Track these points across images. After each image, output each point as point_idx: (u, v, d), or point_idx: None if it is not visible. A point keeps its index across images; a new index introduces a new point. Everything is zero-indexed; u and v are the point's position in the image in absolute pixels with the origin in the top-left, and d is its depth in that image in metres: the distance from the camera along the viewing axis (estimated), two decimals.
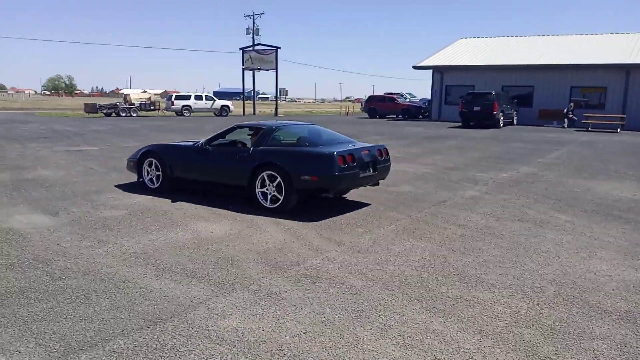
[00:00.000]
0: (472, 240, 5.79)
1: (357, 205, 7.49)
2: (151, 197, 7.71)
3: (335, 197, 7.93)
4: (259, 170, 6.98)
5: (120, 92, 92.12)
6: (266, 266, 4.77)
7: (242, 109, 46.03)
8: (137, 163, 8.49)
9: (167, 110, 39.84)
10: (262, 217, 6.61)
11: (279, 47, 43.82)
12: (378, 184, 7.92)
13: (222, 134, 7.97)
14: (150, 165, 8.29)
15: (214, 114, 40.38)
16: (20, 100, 65.23)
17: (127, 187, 8.42)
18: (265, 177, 6.94)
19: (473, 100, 27.20)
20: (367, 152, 7.19)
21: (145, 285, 4.22)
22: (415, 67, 36.07)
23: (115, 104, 37.93)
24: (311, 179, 6.63)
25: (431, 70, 35.53)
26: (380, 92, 65.34)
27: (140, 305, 3.80)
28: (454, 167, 11.75)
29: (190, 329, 3.45)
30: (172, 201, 7.43)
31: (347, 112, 51.75)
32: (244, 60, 45.31)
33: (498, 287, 4.33)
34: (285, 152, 7.10)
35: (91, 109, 37.10)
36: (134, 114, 36.77)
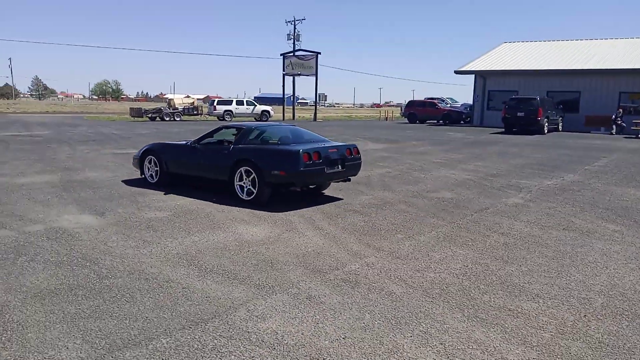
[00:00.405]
0: (515, 248, 5.65)
1: (397, 211, 7.43)
2: (193, 199, 7.87)
3: (315, 192, 8.65)
4: (237, 166, 7.72)
5: (164, 97, 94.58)
6: (305, 270, 4.78)
7: (281, 114, 46.45)
8: (139, 160, 9.33)
9: (209, 115, 40.60)
10: (302, 221, 6.64)
11: (319, 53, 44.05)
12: (349, 180, 8.50)
13: (210, 134, 8.77)
14: (149, 162, 9.14)
15: (255, 118, 40.87)
16: (70, 105, 67.80)
17: (172, 191, 8.60)
18: (243, 172, 7.68)
19: (516, 106, 26.60)
20: (335, 150, 7.77)
21: (187, 285, 4.30)
22: (457, 72, 35.59)
23: (160, 109, 38.91)
24: (280, 173, 7.31)
25: (473, 75, 34.98)
26: (420, 96, 64.71)
27: (183, 305, 3.88)
28: (496, 173, 11.51)
29: (231, 330, 3.49)
30: (214, 202, 7.55)
31: (387, 117, 51.48)
32: (285, 65, 45.74)
33: (543, 298, 4.21)
34: (258, 149, 7.78)
35: (136, 113, 38.18)
36: (177, 119, 37.63)
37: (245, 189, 7.68)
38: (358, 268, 4.87)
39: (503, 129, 27.85)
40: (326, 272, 4.74)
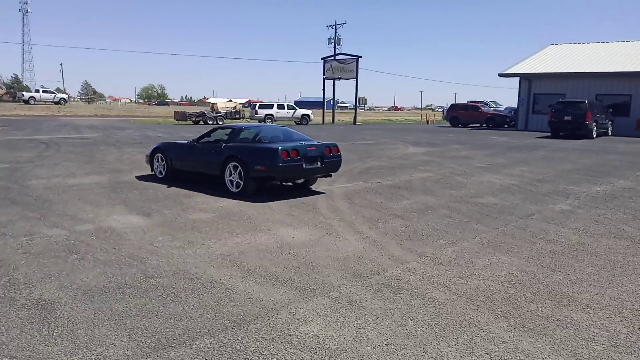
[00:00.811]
0: (563, 256, 5.46)
1: (439, 216, 7.31)
2: (237, 201, 7.97)
3: (299, 185, 9.48)
4: (227, 162, 8.58)
5: (207, 100, 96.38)
6: (346, 273, 4.77)
7: (321, 118, 46.58)
8: (150, 158, 10.37)
9: (250, 118, 41.15)
10: (342, 225, 6.63)
11: (360, 56, 43.94)
12: (330, 175, 9.32)
13: (208, 134, 9.64)
14: (158, 159, 10.17)
15: (295, 122, 41.17)
16: (117, 108, 69.97)
17: (214, 192, 8.75)
18: (231, 168, 8.53)
19: (563, 109, 25.82)
20: (314, 148, 8.51)
21: (230, 286, 4.36)
22: (501, 75, 34.88)
23: (203, 113, 39.72)
24: (261, 168, 8.13)
25: (518, 78, 34.19)
26: (462, 100, 63.65)
27: (226, 306, 3.93)
28: (542, 179, 11.18)
29: (273, 332, 3.51)
30: (255, 202, 7.63)
31: (428, 120, 50.89)
32: (325, 69, 45.89)
33: (593, 308, 4.05)
34: (244, 147, 8.58)
35: (181, 116, 39.11)
36: (220, 122, 38.30)
37: (234, 183, 8.53)
38: (400, 273, 4.81)
39: (549, 133, 27.08)
40: (367, 276, 4.71)
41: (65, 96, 65.49)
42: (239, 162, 8.37)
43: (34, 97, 59.19)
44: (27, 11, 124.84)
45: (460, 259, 5.33)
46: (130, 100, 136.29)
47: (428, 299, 4.20)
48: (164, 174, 10.03)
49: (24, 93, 63.07)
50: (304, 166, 8.24)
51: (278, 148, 7.98)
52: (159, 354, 3.18)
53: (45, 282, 4.37)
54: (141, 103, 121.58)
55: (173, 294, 4.15)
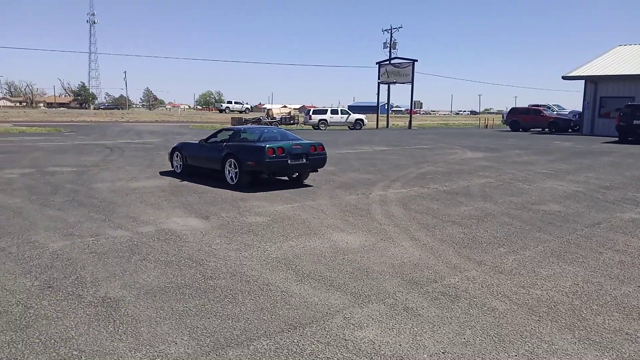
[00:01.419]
0: (633, 267, 5.17)
1: (499, 223, 7.10)
2: (291, 205, 8.06)
3: (298, 179, 10.60)
4: (225, 158, 9.95)
5: (262, 106, 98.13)
6: (402, 280, 4.70)
7: (375, 123, 46.37)
8: (170, 155, 12.11)
9: (304, 124, 41.50)
10: (397, 231, 6.56)
11: (416, 60, 43.46)
12: (316, 170, 10.43)
13: (215, 134, 11.16)
14: (176, 157, 11.80)
15: (349, 127, 41.17)
16: (177, 114, 72.34)
17: (269, 196, 8.88)
18: (229, 164, 9.87)
19: (633, 113, 24.52)
20: (300, 147, 9.74)
21: (286, 289, 4.39)
22: (564, 78, 33.55)
23: (259, 118, 40.46)
24: (251, 163, 9.45)
25: (583, 81, 32.77)
26: (523, 103, 61.64)
27: (282, 309, 3.96)
28: (609, 186, 10.64)
29: (328, 336, 3.51)
30: (309, 207, 7.68)
31: (486, 125, 49.62)
32: (380, 74, 45.66)
33: None
34: (239, 146, 9.95)
35: (237, 122, 39.98)
36: None
37: (231, 176, 9.85)
38: (458, 282, 4.70)
39: (617, 138, 25.78)
40: (424, 284, 4.63)
41: (248, 106, 78.80)
42: (234, 158, 9.75)
43: (228, 107, 75.79)
44: (94, 22, 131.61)
45: (522, 268, 5.14)
46: (189, 106, 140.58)
47: (487, 308, 4.07)
48: (180, 169, 11.63)
49: (222, 104, 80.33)
50: (289, 162, 9.50)
51: (265, 146, 9.30)
52: (218, 354, 3.24)
53: (110, 280, 4.56)
54: (199, 109, 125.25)
55: (231, 296, 4.23)
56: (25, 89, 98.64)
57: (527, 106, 41.40)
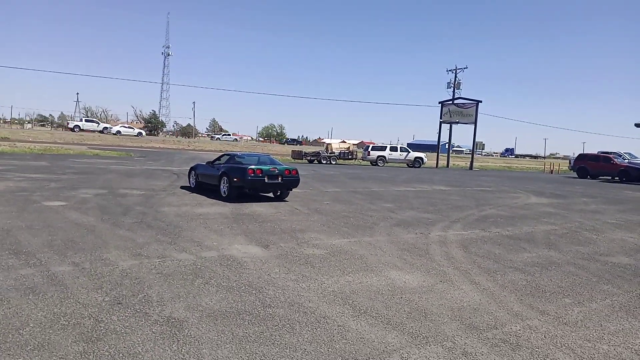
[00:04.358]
0: None
1: (564, 273, 6.83)
2: (348, 240, 8.10)
3: (280, 197, 13.22)
4: (221, 176, 12.71)
5: (322, 141, 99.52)
6: (461, 324, 4.61)
7: (435, 161, 45.91)
8: (188, 174, 15.20)
9: (363, 159, 41.73)
10: (457, 273, 6.45)
11: (480, 101, 43.08)
12: (290, 189, 13.30)
13: (218, 158, 14.11)
14: (192, 175, 14.77)
15: (407, 165, 40.98)
16: (240, 145, 74.60)
17: (327, 230, 8.97)
18: (223, 180, 12.58)
19: None
20: (276, 170, 12.46)
21: (342, 323, 4.42)
22: (637, 125, 32.13)
23: (318, 152, 41.04)
24: (236, 180, 12.13)
25: None
26: (591, 149, 59.32)
27: (338, 343, 3.98)
28: None
29: None
30: (366, 243, 7.69)
31: (552, 170, 47.99)
32: (442, 113, 45.47)
33: None
34: (230, 166, 12.71)
35: (297, 155, 40.72)
36: (333, 162, 39.28)
37: (224, 190, 12.54)
38: (519, 330, 4.56)
39: None
40: (483, 329, 4.52)
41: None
42: (226, 176, 12.42)
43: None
44: (168, 54, 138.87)
45: (588, 320, 4.92)
46: (252, 137, 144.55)
47: (550, 359, 3.93)
48: (194, 185, 14.53)
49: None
50: (266, 180, 12.20)
51: (247, 167, 12.10)
52: None
53: (174, 301, 4.74)
54: (261, 141, 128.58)
55: (288, 325, 4.30)
56: (100, 115, 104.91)
57: (596, 153, 39.80)
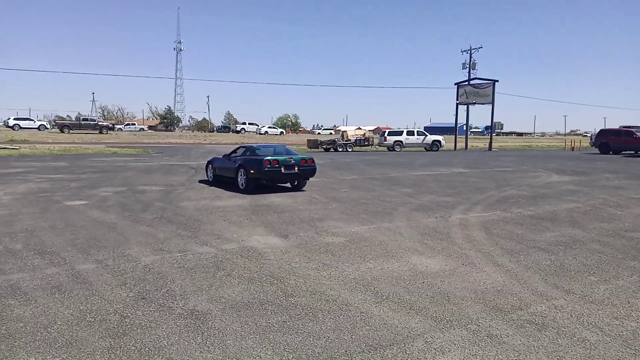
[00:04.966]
0: None
1: (589, 250, 6.72)
2: (367, 227, 8.07)
3: (298, 186, 13.23)
4: (238, 169, 12.77)
5: (337, 129, 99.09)
6: (485, 307, 4.57)
7: (453, 144, 45.48)
8: (205, 167, 15.41)
9: (379, 145, 41.48)
10: (479, 255, 6.39)
11: (497, 80, 42.47)
12: (307, 178, 13.19)
13: (235, 151, 14.05)
14: (209, 168, 14.90)
15: (425, 149, 40.66)
16: (255, 137, 74.74)
17: (345, 218, 8.95)
18: (241, 172, 12.64)
19: None
20: (292, 160, 12.39)
21: (365, 310, 4.41)
22: None
23: (334, 140, 40.87)
24: (253, 172, 12.16)
25: None
26: (613, 125, 58.12)
27: (361, 330, 3.98)
28: None
29: (409, 359, 3.48)
30: (386, 229, 7.66)
31: (572, 147, 47.24)
32: (459, 94, 44.96)
33: None
34: (246, 159, 12.74)
35: (313, 144, 40.62)
36: (349, 149, 39.13)
37: (241, 182, 12.57)
38: (545, 310, 4.50)
39: None
40: (508, 311, 4.47)
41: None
42: (243, 168, 12.48)
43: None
44: (180, 49, 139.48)
45: (615, 298, 4.84)
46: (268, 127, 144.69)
47: (577, 339, 3.87)
48: (212, 178, 14.65)
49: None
50: (282, 171, 12.17)
51: (263, 158, 12.06)
52: None
53: (197, 294, 4.79)
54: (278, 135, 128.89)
55: (311, 314, 4.31)
56: (116, 112, 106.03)
57: (618, 127, 39.03)
